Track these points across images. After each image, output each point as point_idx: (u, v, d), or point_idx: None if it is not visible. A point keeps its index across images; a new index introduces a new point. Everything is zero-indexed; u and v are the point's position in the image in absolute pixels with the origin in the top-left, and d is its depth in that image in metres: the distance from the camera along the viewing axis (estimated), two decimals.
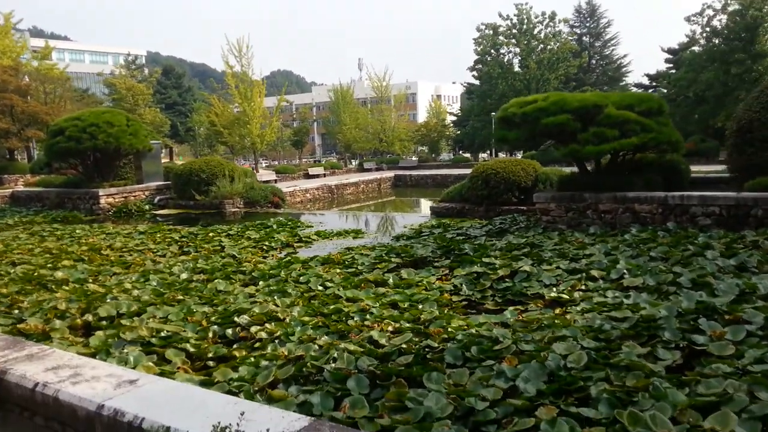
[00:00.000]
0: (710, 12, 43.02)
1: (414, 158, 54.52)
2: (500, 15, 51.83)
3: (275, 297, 6.96)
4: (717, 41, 42.95)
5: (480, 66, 53.66)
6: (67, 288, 7.91)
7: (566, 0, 65.07)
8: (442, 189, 35.65)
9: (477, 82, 64.51)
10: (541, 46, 50.83)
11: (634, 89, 60.94)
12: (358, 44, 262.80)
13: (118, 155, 20.50)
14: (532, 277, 7.30)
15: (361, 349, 4.86)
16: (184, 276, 8.38)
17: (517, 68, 51.72)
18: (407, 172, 41.14)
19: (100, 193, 19.17)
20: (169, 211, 19.61)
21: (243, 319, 5.88)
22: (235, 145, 47.40)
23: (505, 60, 52.60)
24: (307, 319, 5.88)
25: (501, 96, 50.52)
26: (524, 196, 13.96)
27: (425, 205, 26.79)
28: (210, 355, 5.18)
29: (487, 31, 52.12)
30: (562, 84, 51.80)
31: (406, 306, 6.40)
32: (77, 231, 14.09)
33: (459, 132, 62.71)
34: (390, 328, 5.51)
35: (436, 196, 31.69)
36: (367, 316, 5.97)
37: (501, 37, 51.99)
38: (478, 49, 52.71)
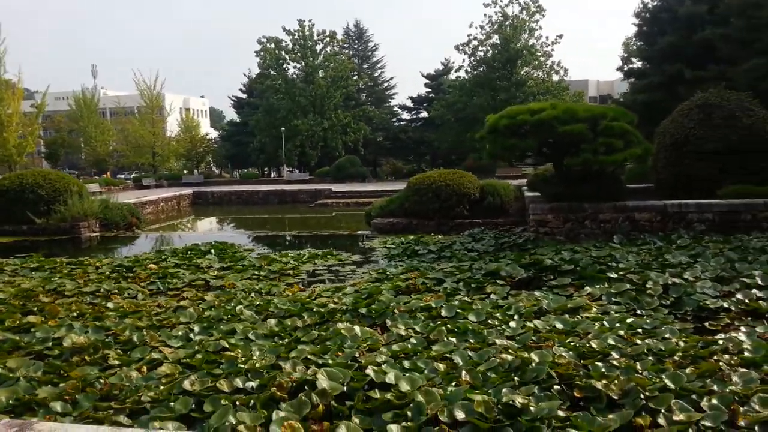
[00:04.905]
0: (475, 42, 47.93)
1: (197, 173, 50.64)
2: (284, 29, 50.99)
3: (460, 347, 5.41)
4: (483, 69, 48.09)
5: (262, 80, 52.02)
6: (125, 358, 5.21)
7: (336, 22, 66.89)
8: (249, 206, 33.81)
9: (245, 96, 62.81)
10: (326, 63, 51.32)
11: (399, 111, 65.35)
12: (82, 51, 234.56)
13: None
14: (690, 290, 6.92)
15: None
16: (272, 324, 6.14)
17: (300, 84, 51.24)
18: (205, 189, 38.11)
19: None
20: None
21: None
22: None
23: (289, 75, 51.93)
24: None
25: (288, 111, 49.68)
26: (473, 208, 13.55)
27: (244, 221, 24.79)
28: None
29: (269, 45, 50.80)
30: (343, 102, 52.87)
31: (641, 335, 5.56)
32: None
33: (225, 147, 60.61)
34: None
35: (247, 213, 29.54)
36: (647, 352, 4.99)
37: (283, 53, 51.18)
38: (262, 63, 51.06)
